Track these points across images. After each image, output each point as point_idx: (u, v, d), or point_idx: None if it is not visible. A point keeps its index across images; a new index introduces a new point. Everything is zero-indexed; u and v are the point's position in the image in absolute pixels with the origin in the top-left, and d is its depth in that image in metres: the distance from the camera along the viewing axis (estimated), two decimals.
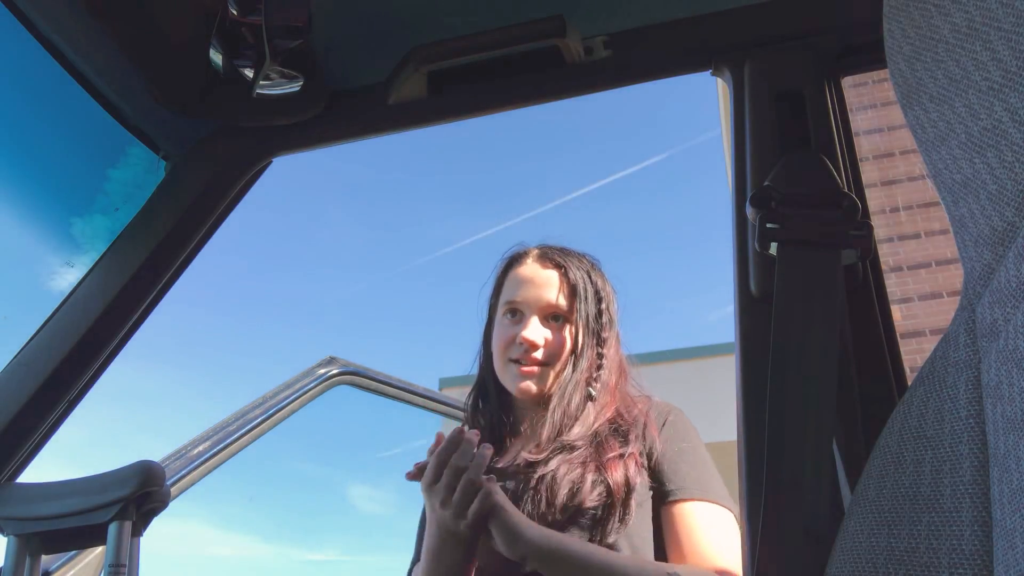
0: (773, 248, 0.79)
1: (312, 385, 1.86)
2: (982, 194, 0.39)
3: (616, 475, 1.05)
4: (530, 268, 1.26)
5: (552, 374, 1.19)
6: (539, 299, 1.22)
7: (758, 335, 0.81)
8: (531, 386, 1.18)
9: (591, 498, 1.03)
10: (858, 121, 4.66)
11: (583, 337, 1.20)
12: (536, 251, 1.28)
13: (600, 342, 1.21)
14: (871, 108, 4.66)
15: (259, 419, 1.69)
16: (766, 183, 0.83)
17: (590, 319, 1.21)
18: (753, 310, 0.84)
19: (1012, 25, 0.36)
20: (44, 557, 1.01)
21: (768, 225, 0.80)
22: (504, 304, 1.26)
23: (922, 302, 4.38)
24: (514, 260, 1.29)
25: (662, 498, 1.08)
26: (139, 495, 0.91)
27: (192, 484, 1.52)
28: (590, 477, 1.05)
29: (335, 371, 1.93)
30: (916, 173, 4.60)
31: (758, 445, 0.73)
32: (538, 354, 1.19)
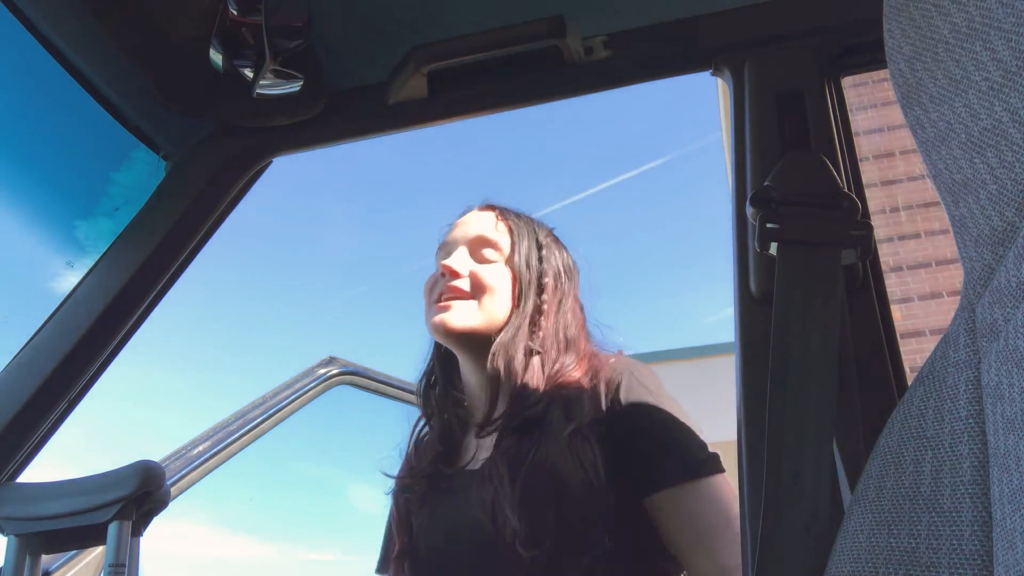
0: (773, 248, 0.79)
1: (312, 385, 1.86)
2: (982, 194, 0.39)
3: (585, 463, 0.93)
4: (469, 214, 1.18)
5: (479, 312, 1.06)
6: (467, 233, 1.13)
7: (758, 335, 0.81)
8: (445, 320, 1.05)
9: (545, 533, 0.91)
10: (858, 121, 4.66)
11: (522, 277, 1.09)
12: (480, 204, 1.21)
13: (541, 288, 1.09)
14: (871, 108, 4.66)
15: (259, 419, 1.69)
16: (766, 183, 0.83)
17: (530, 260, 1.10)
18: (753, 310, 0.84)
19: (1012, 25, 0.36)
20: (44, 557, 1.01)
21: (768, 225, 0.80)
22: (439, 248, 1.16)
23: (922, 302, 4.38)
24: (459, 216, 1.21)
25: (642, 488, 0.97)
26: (139, 495, 0.91)
27: (192, 484, 1.52)
28: (548, 511, 0.92)
29: (335, 371, 1.93)
30: (916, 173, 4.60)
31: (758, 445, 0.73)
32: (461, 284, 1.07)
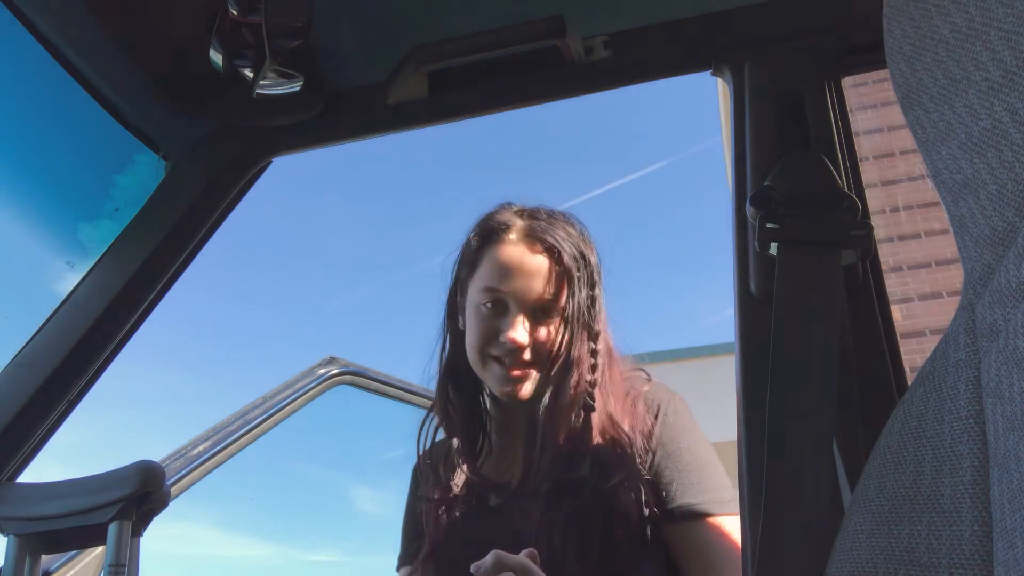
0: (773, 248, 0.79)
1: (312, 385, 1.86)
2: (982, 194, 0.39)
3: (630, 511, 0.98)
4: (516, 250, 1.07)
5: (541, 379, 1.06)
6: (528, 291, 1.04)
7: (758, 335, 0.81)
8: (519, 389, 1.05)
9: (599, 554, 0.94)
10: (858, 121, 4.66)
11: (576, 334, 1.05)
12: (521, 225, 1.09)
13: (593, 337, 1.06)
14: (871, 108, 4.65)
15: (259, 419, 1.69)
16: (766, 183, 0.83)
17: (583, 311, 1.06)
18: (753, 310, 0.84)
19: (1012, 25, 0.36)
20: (44, 557, 1.01)
21: (768, 225, 0.80)
22: (483, 289, 1.07)
23: (922, 302, 4.37)
24: (494, 233, 1.10)
25: (666, 515, 0.99)
26: (139, 495, 0.91)
27: (192, 484, 1.51)
28: (597, 525, 0.96)
29: (335, 371, 1.93)
30: (916, 173, 4.59)
31: (758, 445, 0.73)
32: (525, 355, 1.04)
